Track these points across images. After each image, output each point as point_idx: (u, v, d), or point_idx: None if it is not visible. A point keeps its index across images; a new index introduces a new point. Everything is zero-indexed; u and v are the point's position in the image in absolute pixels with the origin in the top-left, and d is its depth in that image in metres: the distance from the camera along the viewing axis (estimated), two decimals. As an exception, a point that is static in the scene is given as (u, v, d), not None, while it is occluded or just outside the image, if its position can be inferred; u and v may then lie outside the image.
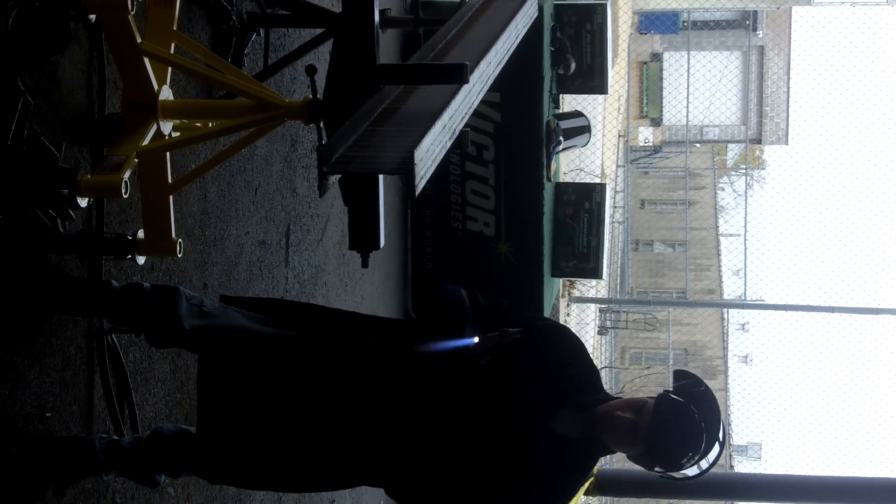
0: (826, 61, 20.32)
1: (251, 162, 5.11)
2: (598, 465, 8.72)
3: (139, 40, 3.54)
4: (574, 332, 3.82)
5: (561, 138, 8.19)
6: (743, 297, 15.87)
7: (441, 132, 3.18)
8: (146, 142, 3.60)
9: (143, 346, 4.04)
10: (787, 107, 27.31)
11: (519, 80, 7.27)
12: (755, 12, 26.14)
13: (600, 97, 12.80)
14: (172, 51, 3.78)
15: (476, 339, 3.37)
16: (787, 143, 27.48)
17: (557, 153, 8.30)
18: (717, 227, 28.09)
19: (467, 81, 3.32)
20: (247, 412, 3.51)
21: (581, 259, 8.70)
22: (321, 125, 3.57)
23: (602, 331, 18.62)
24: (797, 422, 20.79)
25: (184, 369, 4.37)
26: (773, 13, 26.87)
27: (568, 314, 14.24)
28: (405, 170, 2.86)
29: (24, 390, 3.32)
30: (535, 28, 5.76)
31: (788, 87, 27.25)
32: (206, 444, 3.56)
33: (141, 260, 3.69)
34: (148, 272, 4.05)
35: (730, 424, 23.43)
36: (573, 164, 13.87)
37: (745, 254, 16.71)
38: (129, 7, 3.40)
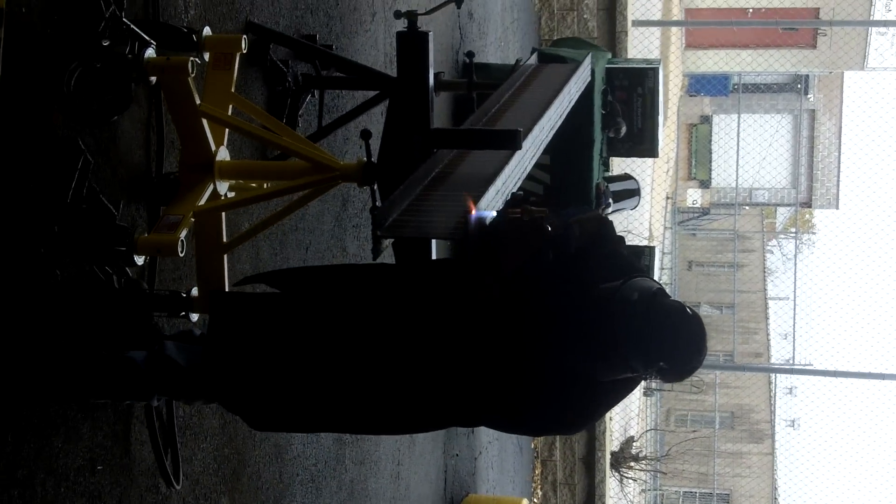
0: (879, 126, 20.22)
1: (303, 221, 5.16)
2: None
3: (198, 102, 3.61)
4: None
5: (610, 200, 8.19)
6: (791, 362, 15.68)
7: (494, 197, 3.21)
8: (203, 201, 3.65)
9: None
10: (839, 171, 27.15)
11: (569, 143, 7.29)
12: (807, 76, 26.08)
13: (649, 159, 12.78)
14: (230, 112, 3.84)
15: (493, 213, 3.13)
16: (837, 208, 27.28)
17: (607, 216, 8.30)
18: (766, 290, 27.85)
19: (520, 148, 3.36)
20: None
21: (630, 321, 8.65)
22: (375, 187, 3.61)
23: (647, 392, 18.47)
24: (846, 489, 20.45)
25: (232, 424, 4.40)
26: (825, 77, 26.81)
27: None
28: (459, 235, 2.89)
29: (77, 443, 3.35)
30: (587, 91, 5.79)
31: (840, 152, 27.09)
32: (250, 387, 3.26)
33: (194, 317, 3.73)
34: (201, 329, 4.09)
35: (776, 489, 23.11)
36: (621, 226, 13.85)
37: (794, 318, 16.53)
38: (190, 70, 3.47)
